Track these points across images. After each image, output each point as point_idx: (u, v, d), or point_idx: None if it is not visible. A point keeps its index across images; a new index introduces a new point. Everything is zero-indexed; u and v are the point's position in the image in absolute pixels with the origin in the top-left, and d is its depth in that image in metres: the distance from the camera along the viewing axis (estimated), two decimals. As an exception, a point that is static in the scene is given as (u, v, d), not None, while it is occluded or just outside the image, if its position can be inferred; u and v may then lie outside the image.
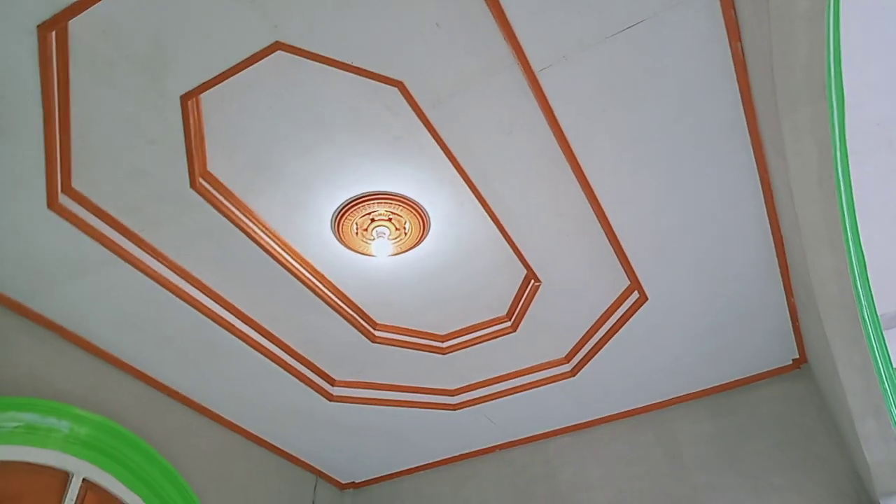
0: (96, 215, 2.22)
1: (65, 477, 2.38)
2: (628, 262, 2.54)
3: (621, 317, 2.78)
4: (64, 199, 2.13)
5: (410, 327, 2.96)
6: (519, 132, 2.09)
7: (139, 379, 2.85)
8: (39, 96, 1.85)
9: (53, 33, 1.71)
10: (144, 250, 2.36)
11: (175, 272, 2.46)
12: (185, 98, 1.93)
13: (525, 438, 3.57)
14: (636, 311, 2.74)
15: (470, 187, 2.27)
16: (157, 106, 1.94)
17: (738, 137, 2.10)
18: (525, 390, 3.18)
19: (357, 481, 3.90)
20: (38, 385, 2.42)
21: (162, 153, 2.07)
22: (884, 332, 2.25)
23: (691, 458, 3.15)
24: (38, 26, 1.69)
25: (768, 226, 2.41)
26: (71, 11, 1.67)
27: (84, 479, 2.43)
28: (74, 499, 2.38)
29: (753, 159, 2.17)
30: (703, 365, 3.11)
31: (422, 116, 2.02)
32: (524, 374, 3.14)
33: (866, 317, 2.06)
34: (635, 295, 2.70)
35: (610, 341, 2.89)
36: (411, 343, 2.99)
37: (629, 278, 2.63)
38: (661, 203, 2.33)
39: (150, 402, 2.87)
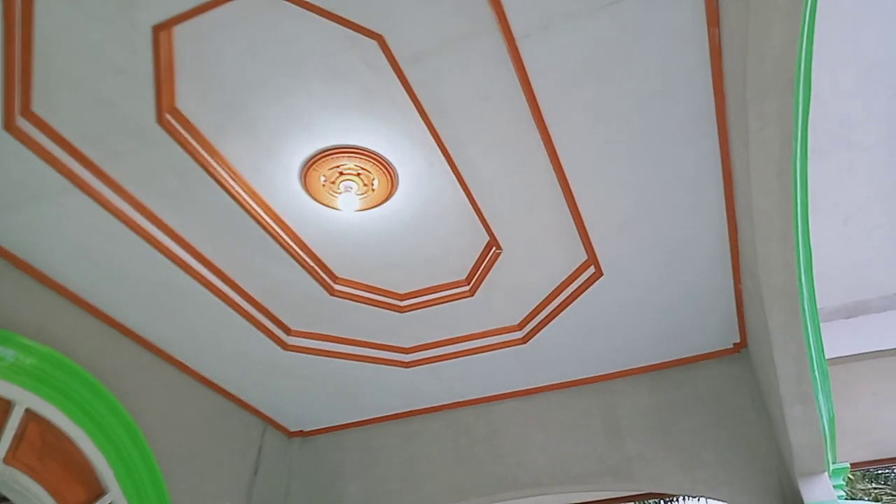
0: (55, 141, 2.15)
1: (6, 406, 2.35)
2: (588, 237, 2.60)
3: (576, 290, 2.85)
4: (22, 122, 2.06)
5: (370, 283, 2.98)
6: (494, 98, 2.09)
7: (90, 313, 2.80)
8: (0, 11, 1.76)
9: (21, -53, 1.64)
10: (104, 182, 2.30)
11: (135, 207, 2.41)
12: (157, 29, 1.88)
13: (472, 400, 3.66)
14: (590, 285, 2.82)
15: (441, 149, 2.27)
16: (127, 35, 1.88)
17: (705, 123, 2.16)
18: (477, 353, 3.25)
19: (305, 430, 3.95)
20: (-15, 311, 2.37)
21: (129, 84, 2.01)
22: (820, 325, 2.37)
23: (628, 429, 3.29)
24: (5, -64, 1.61)
25: (725, 212, 2.49)
26: (41, -75, 1.60)
27: (27, 410, 2.41)
28: (15, 427, 2.35)
29: (718, 145, 2.23)
30: (649, 342, 3.22)
31: (399, 73, 2.01)
32: (477, 338, 3.20)
33: (806, 309, 2.17)
34: (591, 269, 2.77)
35: (562, 313, 2.97)
36: (370, 299, 3.01)
37: (587, 253, 2.70)
38: (624, 181, 2.38)
39: (101, 337, 2.83)
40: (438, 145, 2.25)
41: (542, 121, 2.13)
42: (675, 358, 3.34)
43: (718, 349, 3.29)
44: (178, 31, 1.91)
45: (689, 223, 2.55)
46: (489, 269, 2.80)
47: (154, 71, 1.99)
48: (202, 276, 2.72)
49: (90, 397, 2.61)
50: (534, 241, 2.66)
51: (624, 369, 3.41)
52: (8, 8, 1.75)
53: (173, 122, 2.14)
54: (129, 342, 2.98)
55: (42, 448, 2.44)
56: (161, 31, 1.89)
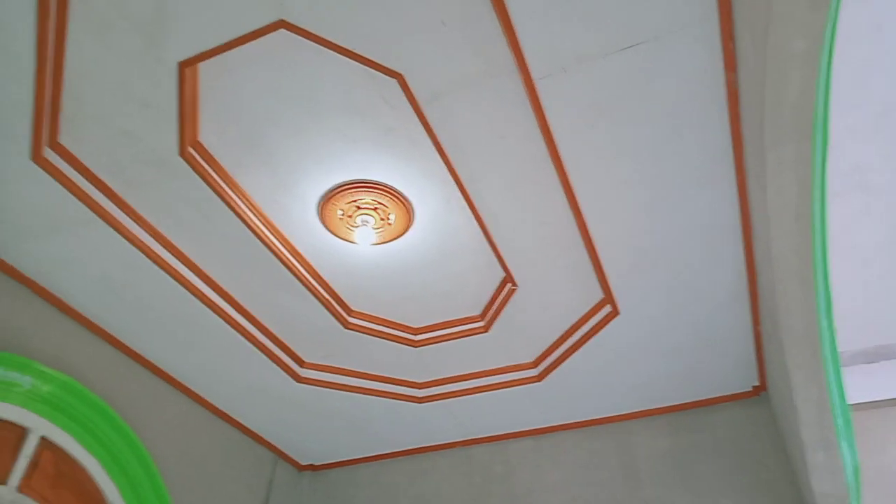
0: (80, 172, 2.20)
1: (22, 433, 2.36)
2: (604, 276, 2.58)
3: (592, 328, 2.82)
4: (48, 153, 2.11)
5: (384, 317, 2.98)
6: (511, 137, 2.11)
7: (108, 342, 2.82)
8: (34, 46, 1.83)
9: (55, -12, 1.70)
10: (126, 213, 2.34)
11: (155, 238, 2.45)
12: (183, 65, 1.93)
13: (486, 437, 3.60)
14: (606, 324, 2.79)
15: (458, 186, 2.29)
16: (153, 70, 1.93)
17: (722, 165, 2.15)
18: (491, 390, 3.21)
19: (316, 464, 3.91)
20: (3, 338, 2.39)
21: (153, 118, 2.06)
22: (842, 369, 2.32)
23: (646, 472, 3.21)
24: (41, -21, 1.68)
25: (742, 254, 2.46)
26: (76, -33, 1.66)
27: (42, 437, 2.41)
28: (30, 455, 2.36)
29: (735, 188, 2.22)
30: (666, 382, 3.17)
31: (417, 111, 2.04)
32: (492, 375, 3.17)
33: (827, 353, 2.12)
34: (607, 308, 2.74)
35: (578, 351, 2.94)
36: (384, 333, 3.01)
37: (603, 291, 2.68)
38: (641, 221, 2.37)
39: (117, 366, 2.85)
40: (455, 182, 2.27)
41: (559, 160, 2.14)
42: (693, 399, 3.28)
43: (737, 392, 3.22)
44: (203, 67, 1.96)
45: (707, 264, 2.52)
46: (504, 306, 2.78)
47: (178, 105, 2.03)
48: (219, 307, 2.73)
49: (105, 427, 2.61)
50: (549, 278, 2.64)
51: (641, 410, 3.35)
52: (41, 43, 1.81)
53: (195, 155, 2.19)
54: (145, 372, 2.99)
55: (56, 477, 2.44)
56: (187, 67, 1.94)
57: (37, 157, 2.08)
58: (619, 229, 2.40)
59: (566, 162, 2.15)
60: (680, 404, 3.30)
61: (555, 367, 3.05)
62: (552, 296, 2.73)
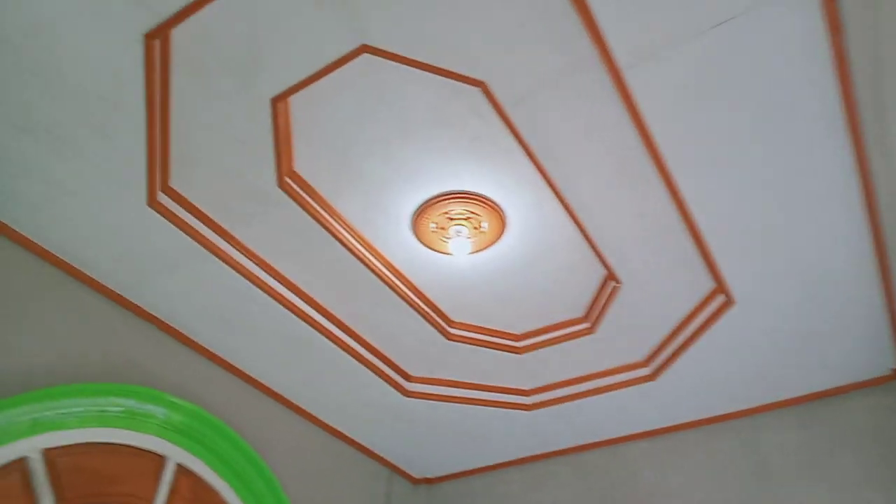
0: (191, 212, 2.33)
1: (161, 461, 2.52)
2: (714, 265, 2.45)
3: (706, 320, 2.68)
4: (162, 198, 2.25)
5: (486, 326, 2.97)
6: (601, 131, 2.05)
7: (227, 370, 2.98)
8: (143, 101, 1.96)
9: (158, 42, 1.81)
10: (233, 246, 2.46)
11: (261, 267, 2.56)
12: (275, 101, 2.01)
13: (602, 441, 3.51)
14: (721, 314, 2.64)
15: (550, 187, 2.25)
16: (248, 108, 2.02)
17: (834, 135, 1.99)
18: (603, 393, 3.12)
19: (431, 477, 3.95)
20: (137, 373, 2.57)
21: (252, 153, 2.16)
22: None
23: (778, 468, 3.01)
24: (145, 35, 1.79)
25: (866, 228, 2.27)
26: (174, 20, 1.77)
27: (178, 464, 2.57)
28: (169, 482, 2.52)
29: (852, 159, 2.05)
30: (793, 372, 2.96)
31: (503, 116, 2.02)
32: (602, 377, 3.08)
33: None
34: (720, 298, 2.60)
35: (693, 345, 2.80)
36: (487, 342, 3.00)
37: (714, 281, 2.54)
38: (750, 203, 2.24)
39: (237, 393, 3.00)
40: (547, 183, 2.23)
41: (654, 149, 2.05)
42: (823, 388, 3.05)
43: (873, 377, 2.97)
44: (293, 99, 2.04)
45: (826, 242, 2.34)
46: (609, 304, 2.70)
47: (273, 139, 2.12)
48: (325, 329, 2.82)
49: (232, 451, 2.75)
50: (655, 271, 2.54)
51: (766, 403, 3.15)
52: (150, 94, 1.94)
53: (292, 184, 2.27)
54: (262, 396, 3.13)
55: (193, 500, 2.59)
56: (278, 101, 2.02)
57: (152, 203, 2.23)
58: (726, 214, 2.27)
59: (663, 150, 2.07)
60: (809, 394, 3.08)
61: (668, 364, 2.92)
62: (659, 290, 2.62)
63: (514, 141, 2.11)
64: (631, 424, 3.38)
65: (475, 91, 1.97)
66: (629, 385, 3.07)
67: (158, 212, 2.26)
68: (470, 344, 2.98)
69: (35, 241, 2.37)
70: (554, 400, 3.22)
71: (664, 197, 2.23)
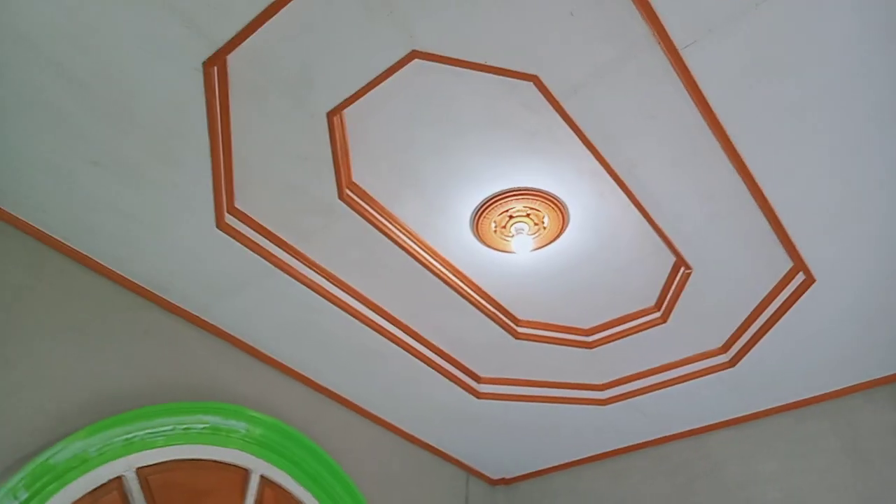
0: (257, 231, 2.39)
1: (245, 474, 2.59)
2: (791, 243, 2.34)
3: (785, 301, 2.57)
4: (230, 219, 2.32)
5: (554, 322, 2.93)
6: (662, 115, 1.99)
7: (303, 382, 3.04)
8: (206, 127, 2.02)
9: (216, 68, 1.87)
10: (300, 260, 2.51)
11: (328, 279, 2.60)
12: (330, 115, 2.03)
13: (683, 433, 3.41)
14: (802, 293, 2.52)
15: (611, 176, 2.20)
16: (305, 125, 2.06)
17: (917, 96, 1.87)
18: (679, 383, 3.03)
19: (508, 477, 3.92)
20: (218, 390, 2.66)
21: (311, 168, 2.19)
22: None
23: (876, 451, 2.85)
24: (204, 63, 1.85)
25: (960, 191, 2.12)
26: (229, 47, 1.82)
27: (262, 476, 2.63)
28: (255, 494, 2.59)
29: (939, 118, 1.92)
30: (884, 349, 2.80)
31: (558, 108, 1.99)
32: (678, 367, 2.99)
33: None
34: (800, 277, 2.49)
35: (773, 328, 2.68)
36: (556, 338, 2.96)
37: (792, 259, 2.43)
38: (826, 176, 2.13)
39: (313, 404, 3.06)
40: (608, 172, 2.18)
41: (720, 128, 1.98)
42: (919, 365, 2.87)
43: (976, 349, 2.78)
44: (348, 112, 2.06)
45: (913, 210, 2.20)
46: (680, 292, 2.62)
47: (332, 152, 2.15)
48: (393, 335, 2.84)
49: (312, 461, 2.80)
50: (727, 254, 2.45)
51: (857, 383, 2.99)
52: (211, 120, 2.00)
53: (353, 195, 2.30)
54: (337, 406, 3.18)
55: (277, 511, 2.66)
56: (334, 115, 2.04)
57: (220, 225, 2.29)
58: (801, 189, 2.17)
59: (729, 128, 1.99)
60: (904, 372, 2.91)
61: (748, 349, 2.81)
62: (733, 273, 2.52)
63: (570, 132, 2.07)
64: (712, 414, 3.27)
65: (528, 85, 1.95)
66: (707, 374, 2.97)
67: (227, 233, 2.32)
68: (539, 342, 2.95)
69: (116, 270, 2.48)
70: (629, 393, 3.15)
71: (733, 176, 2.15)
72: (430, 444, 3.59)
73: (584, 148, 2.12)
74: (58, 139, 2.02)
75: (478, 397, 3.21)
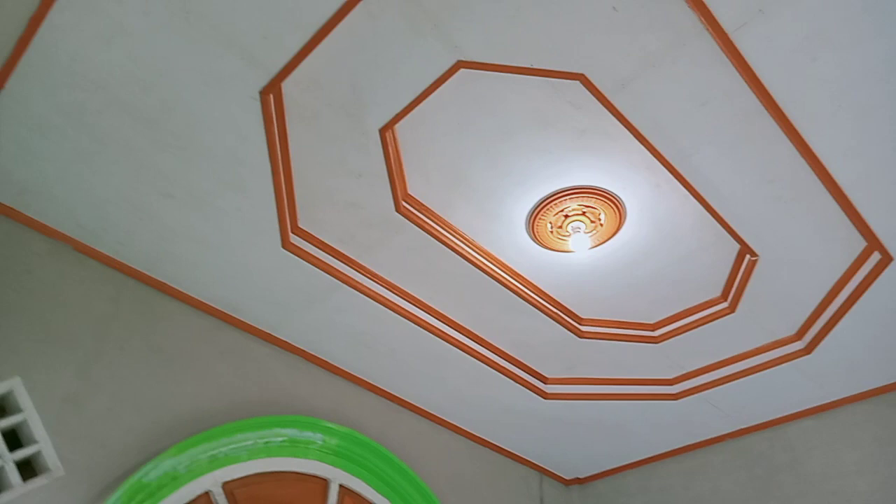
0: (321, 248, 2.47)
1: (325, 484, 2.67)
2: (863, 221, 2.25)
3: (862, 282, 2.46)
4: (294, 239, 2.40)
5: (618, 319, 2.90)
6: (715, 101, 1.96)
7: (373, 391, 3.11)
8: (266, 152, 2.11)
9: (272, 96, 1.95)
10: (363, 274, 2.58)
11: (391, 290, 2.65)
12: (383, 131, 2.09)
13: (759, 425, 3.30)
14: (879, 273, 2.42)
15: (666, 168, 2.17)
16: (359, 143, 2.12)
17: None
18: (753, 374, 2.95)
19: (582, 477, 3.89)
20: (293, 403, 2.75)
21: (368, 184, 2.25)
22: None
23: (974, 437, 2.70)
24: (260, 92, 1.94)
25: None
26: (283, 74, 1.90)
27: (340, 485, 2.71)
28: (335, 502, 2.66)
29: None
30: (974, 327, 2.65)
31: (607, 105, 1.98)
32: (750, 357, 2.91)
33: None
34: (875, 256, 2.38)
35: (850, 311, 2.58)
36: (621, 335, 2.93)
37: (865, 239, 2.33)
38: (892, 151, 2.04)
39: (386, 412, 3.12)
40: (663, 164, 2.16)
41: (777, 108, 1.93)
42: None
43: None
44: (399, 126, 2.11)
45: None
46: (747, 280, 2.55)
47: (386, 167, 2.20)
48: (458, 342, 2.87)
49: (387, 469, 2.86)
50: (795, 238, 2.38)
51: (946, 365, 2.84)
52: (271, 146, 2.09)
53: (409, 207, 2.35)
54: (408, 413, 3.24)
55: (358, 520, 2.73)
56: (386, 131, 2.10)
57: (286, 245, 2.38)
58: (869, 165, 2.09)
59: (787, 109, 1.94)
60: None
61: (824, 335, 2.71)
62: (803, 257, 2.44)
63: (621, 127, 2.06)
64: (790, 404, 3.16)
65: (575, 84, 1.95)
66: (783, 362, 2.87)
67: (293, 252, 2.41)
68: (604, 339, 2.93)
69: (191, 294, 2.60)
70: (701, 386, 3.08)
71: (795, 158, 2.08)
72: (502, 446, 3.60)
73: (636, 142, 2.10)
74: (132, 175, 2.15)
75: (545, 398, 3.20)
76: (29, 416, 1.99)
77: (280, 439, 2.58)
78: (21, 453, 1.95)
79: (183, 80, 1.90)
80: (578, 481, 3.90)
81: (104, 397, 2.24)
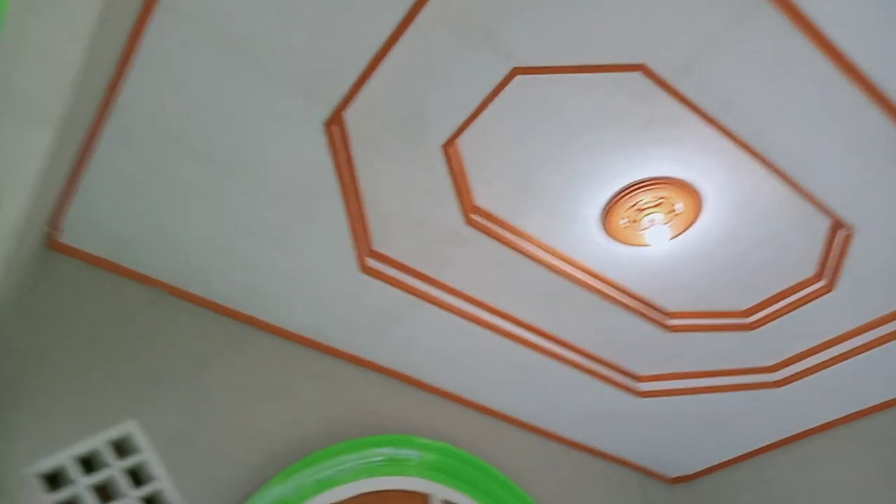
0: (397, 268, 2.51)
1: (426, 499, 2.70)
2: (969, 179, 2.09)
3: (976, 245, 2.28)
4: (371, 262, 2.45)
5: (707, 309, 2.79)
6: (787, 75, 1.86)
7: (463, 404, 3.12)
8: (336, 182, 2.17)
9: (335, 127, 2.01)
10: (440, 289, 2.60)
11: (470, 303, 2.66)
12: (445, 147, 2.11)
13: (875, 406, 3.10)
14: None
15: (742, 148, 2.08)
16: (423, 162, 2.15)
17: None
18: (862, 352, 2.76)
19: (686, 475, 3.76)
20: (388, 422, 2.80)
21: (436, 200, 2.27)
22: None
23: None
24: (325, 124, 1.99)
25: None
26: (343, 104, 1.95)
27: (442, 501, 2.73)
28: (437, 518, 2.69)
29: None
30: None
31: (672, 92, 1.93)
32: (856, 335, 2.73)
33: None
34: None
35: (964, 276, 2.39)
36: (712, 325, 2.82)
37: (974, 197, 2.16)
38: None
39: (479, 424, 3.12)
40: (738, 145, 2.07)
41: (860, 75, 1.81)
42: None
43: None
44: (461, 140, 2.12)
45: None
46: (844, 255, 2.41)
47: (451, 182, 2.22)
48: (543, 348, 2.85)
49: (487, 480, 2.86)
50: (893, 205, 2.22)
51: None
52: (340, 175, 2.14)
53: (478, 219, 2.35)
54: (501, 423, 3.22)
55: (462, 532, 2.73)
56: (448, 147, 2.11)
57: (364, 269, 2.44)
58: (969, 118, 1.93)
59: (870, 74, 1.81)
60: None
61: (939, 305, 2.52)
62: (904, 225, 2.29)
63: (689, 113, 1.99)
64: (908, 382, 2.95)
65: (635, 76, 1.91)
66: (893, 339, 2.68)
67: (371, 275, 2.46)
68: (694, 331, 2.83)
69: (280, 325, 2.69)
70: (805, 371, 2.92)
71: (883, 122, 1.95)
72: (599, 449, 3.53)
73: (707, 126, 2.03)
74: (213, 218, 2.25)
75: (639, 396, 3.12)
76: (146, 455, 2.11)
77: (379, 459, 2.63)
78: (145, 490, 2.07)
79: (250, 123, 1.99)
80: (683, 479, 3.77)
81: (210, 432, 2.34)
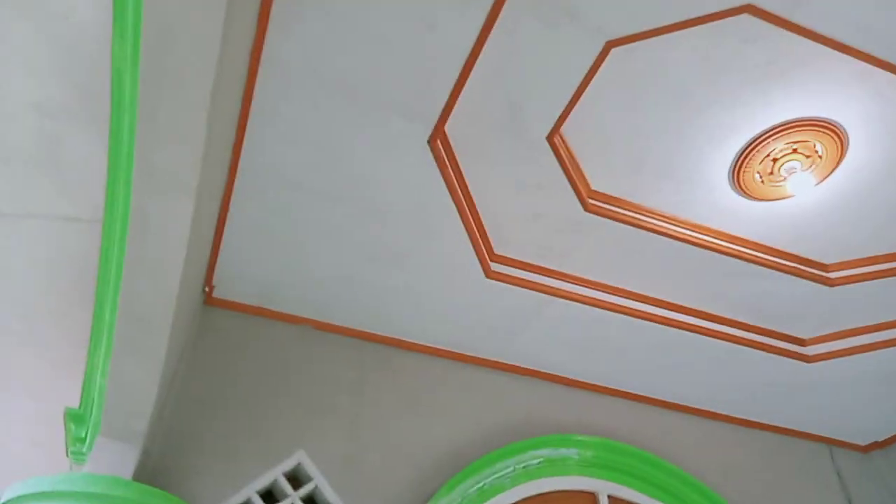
0: (521, 268, 2.48)
1: (592, 498, 2.63)
2: None
3: None
4: (495, 266, 2.44)
5: (871, 255, 2.51)
6: (924, -26, 1.64)
7: (615, 395, 3.01)
8: (447, 194, 2.18)
9: (439, 141, 2.03)
10: (569, 281, 2.53)
11: (602, 290, 2.57)
12: (549, 138, 2.06)
13: None
14: None
15: (885, 69, 1.85)
16: (530, 156, 2.11)
17: None
18: None
19: (881, 440, 3.38)
20: (541, 423, 2.76)
21: (550, 193, 2.22)
22: None
23: None
24: (428, 140, 2.02)
25: None
26: (443, 118, 1.96)
27: (609, 496, 2.64)
28: (608, 514, 2.61)
29: None
30: None
31: (788, 26, 1.76)
32: None
33: None
34: None
35: None
36: (880, 271, 2.53)
37: None
38: None
39: (634, 413, 3.00)
40: (879, 66, 1.84)
41: None
42: None
43: None
44: (565, 128, 2.06)
45: None
46: None
47: (563, 171, 2.16)
48: (688, 324, 2.69)
49: (652, 471, 2.74)
50: None
51: None
52: (450, 186, 2.16)
53: (598, 203, 2.27)
54: (658, 410, 3.07)
55: (637, 526, 2.63)
56: (553, 137, 2.06)
57: (489, 274, 2.43)
58: None
59: None
60: None
61: None
62: None
63: (812, 45, 1.81)
64: None
65: (742, 18, 1.76)
66: None
67: (497, 280, 2.45)
68: (860, 281, 2.55)
69: (420, 342, 2.75)
70: None
71: None
72: (773, 424, 3.26)
73: (837, 53, 1.83)
74: (339, 251, 2.35)
75: (809, 361, 2.85)
76: (319, 482, 2.23)
77: (537, 461, 2.60)
78: (321, 515, 2.19)
79: (359, 154, 2.05)
80: (878, 445, 3.39)
81: (374, 454, 2.43)
